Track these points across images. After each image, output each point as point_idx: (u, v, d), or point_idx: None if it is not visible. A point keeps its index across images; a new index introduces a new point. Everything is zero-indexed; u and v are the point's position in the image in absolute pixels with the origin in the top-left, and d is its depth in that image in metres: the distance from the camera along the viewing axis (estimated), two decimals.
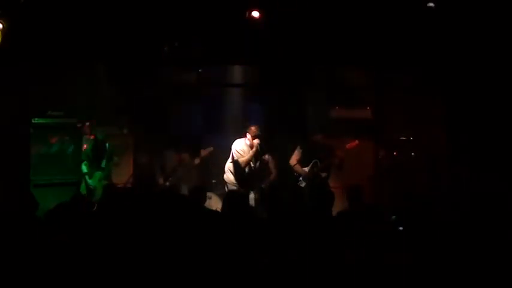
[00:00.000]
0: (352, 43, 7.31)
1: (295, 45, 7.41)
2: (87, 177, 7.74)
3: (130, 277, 3.45)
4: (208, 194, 8.04)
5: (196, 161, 8.56)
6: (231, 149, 7.78)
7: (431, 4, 6.80)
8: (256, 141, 7.61)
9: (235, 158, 7.65)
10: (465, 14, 6.89)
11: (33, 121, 7.59)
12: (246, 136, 7.70)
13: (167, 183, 8.36)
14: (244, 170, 7.66)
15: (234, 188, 7.63)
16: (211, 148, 8.42)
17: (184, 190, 8.10)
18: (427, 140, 8.24)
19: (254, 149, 7.60)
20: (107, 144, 7.99)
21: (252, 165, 7.72)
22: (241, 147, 7.70)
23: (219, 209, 7.58)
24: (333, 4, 6.98)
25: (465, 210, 6.70)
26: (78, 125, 7.86)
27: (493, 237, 4.64)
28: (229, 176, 7.81)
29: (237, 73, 9.22)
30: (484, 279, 3.94)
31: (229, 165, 7.82)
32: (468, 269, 4.02)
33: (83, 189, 7.69)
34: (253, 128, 7.70)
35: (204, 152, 8.46)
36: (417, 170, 8.17)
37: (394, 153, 8.53)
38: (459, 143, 7.69)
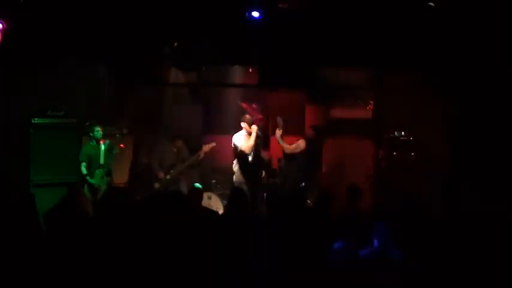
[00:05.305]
0: (352, 43, 7.30)
1: (295, 46, 7.41)
2: (88, 178, 7.71)
3: (127, 277, 3.45)
4: (208, 194, 8.04)
5: (201, 155, 8.47)
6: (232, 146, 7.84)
7: (431, 4, 6.79)
8: (254, 126, 7.67)
9: (239, 149, 7.71)
10: (466, 14, 6.88)
11: (33, 121, 7.60)
12: (242, 129, 7.76)
13: (168, 177, 8.31)
14: (249, 160, 7.70)
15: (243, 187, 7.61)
16: (214, 143, 8.36)
17: (184, 186, 8.09)
18: (427, 140, 8.23)
19: (254, 133, 7.65)
20: (108, 143, 7.97)
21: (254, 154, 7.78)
22: (241, 139, 7.75)
23: (218, 209, 7.63)
24: (332, 4, 6.98)
25: (465, 210, 6.70)
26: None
27: (493, 237, 4.64)
28: (238, 175, 7.84)
29: (237, 73, 9.22)
30: (483, 279, 3.94)
31: (235, 163, 7.86)
32: (467, 268, 4.02)
33: (86, 190, 7.68)
34: (247, 116, 7.78)
35: (206, 148, 8.42)
36: (417, 170, 8.16)
37: (394, 153, 8.52)
38: (459, 143, 7.68)
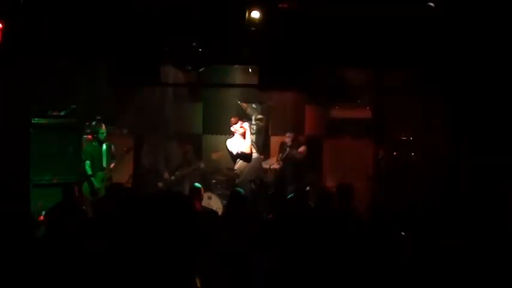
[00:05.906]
0: (351, 43, 7.30)
1: (295, 46, 7.40)
2: (92, 179, 7.71)
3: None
4: (208, 194, 8.06)
5: (201, 165, 8.58)
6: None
7: (431, 4, 6.79)
8: (245, 124, 7.76)
9: (236, 152, 7.75)
10: (465, 13, 6.88)
11: (33, 121, 7.60)
12: (234, 134, 7.82)
13: (172, 177, 8.35)
14: (251, 156, 7.77)
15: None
16: (222, 152, 8.42)
17: (187, 187, 8.13)
18: (427, 140, 8.23)
19: (248, 131, 7.74)
20: (108, 144, 7.97)
21: (255, 148, 7.84)
22: (237, 144, 7.79)
23: (218, 209, 7.65)
24: (332, 4, 6.98)
25: (465, 210, 6.70)
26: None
27: (493, 237, 4.64)
28: (244, 174, 7.89)
29: (237, 73, 9.23)
30: (484, 280, 3.94)
31: (237, 166, 7.91)
32: (467, 269, 4.02)
33: (85, 190, 7.67)
34: (232, 119, 7.88)
35: (214, 156, 8.51)
36: (417, 170, 8.17)
37: (394, 153, 8.53)
38: (459, 143, 7.68)
